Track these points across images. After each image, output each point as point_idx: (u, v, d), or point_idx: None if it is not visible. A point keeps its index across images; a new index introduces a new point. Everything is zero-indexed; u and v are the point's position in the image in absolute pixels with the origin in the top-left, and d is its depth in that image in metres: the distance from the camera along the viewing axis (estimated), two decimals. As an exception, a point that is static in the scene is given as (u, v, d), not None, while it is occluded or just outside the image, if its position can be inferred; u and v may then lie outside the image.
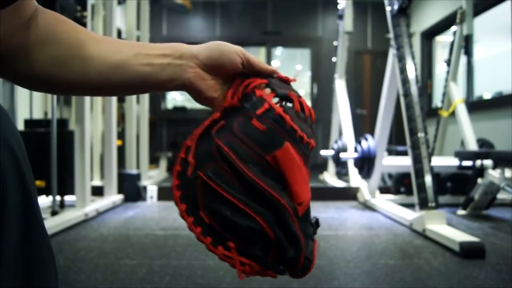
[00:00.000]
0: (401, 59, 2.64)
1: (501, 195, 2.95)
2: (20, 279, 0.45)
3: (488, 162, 2.63)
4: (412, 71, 2.61)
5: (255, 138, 0.45)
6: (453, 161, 2.90)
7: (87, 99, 2.69)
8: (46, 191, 2.55)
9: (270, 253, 0.45)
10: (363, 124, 6.57)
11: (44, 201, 2.75)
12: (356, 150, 3.24)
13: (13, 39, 0.49)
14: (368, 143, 3.10)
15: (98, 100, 3.84)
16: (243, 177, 0.44)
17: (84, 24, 2.57)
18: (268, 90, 0.50)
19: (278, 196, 0.44)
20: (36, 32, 0.50)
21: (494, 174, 2.56)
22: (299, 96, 0.50)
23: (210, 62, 0.52)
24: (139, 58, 0.51)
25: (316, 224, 0.50)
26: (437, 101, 5.55)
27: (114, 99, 3.24)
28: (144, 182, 3.79)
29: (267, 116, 0.46)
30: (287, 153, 0.45)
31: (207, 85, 0.53)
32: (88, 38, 0.52)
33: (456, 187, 3.27)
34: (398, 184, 3.40)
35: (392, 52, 2.79)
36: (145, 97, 4.47)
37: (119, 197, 3.29)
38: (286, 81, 0.52)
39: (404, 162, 2.96)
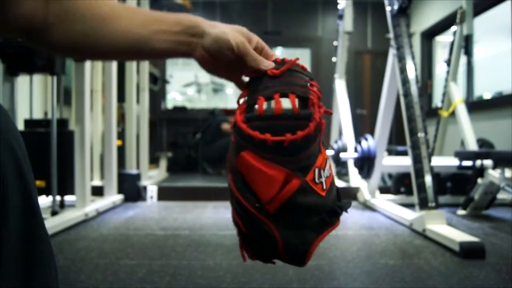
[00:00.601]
0: (401, 59, 2.64)
1: (501, 195, 2.95)
2: (20, 279, 0.46)
3: (488, 162, 2.63)
4: (412, 71, 2.60)
5: (232, 149, 0.53)
6: (453, 161, 2.90)
7: (87, 99, 2.69)
8: (46, 191, 2.55)
9: (247, 243, 0.53)
10: (363, 124, 6.57)
11: (44, 201, 2.74)
12: (356, 150, 3.24)
13: (35, 18, 0.51)
14: (368, 143, 3.10)
15: (98, 100, 3.84)
16: (229, 182, 0.52)
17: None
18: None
19: (240, 195, 0.50)
20: (59, 8, 0.52)
21: (494, 174, 2.56)
22: (276, 92, 0.52)
23: (211, 51, 0.56)
24: (159, 36, 0.55)
25: (333, 213, 0.53)
26: (437, 101, 5.55)
27: (114, 99, 3.24)
28: (144, 182, 3.79)
29: (234, 129, 0.51)
30: (241, 161, 0.50)
31: (211, 66, 0.58)
32: (111, 10, 0.54)
33: (456, 187, 3.26)
34: (398, 184, 3.40)
35: (392, 52, 2.78)
36: (145, 97, 4.47)
37: (119, 197, 3.29)
38: (275, 77, 0.54)
39: (404, 162, 2.96)
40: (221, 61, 0.56)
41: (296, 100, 0.52)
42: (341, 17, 4.18)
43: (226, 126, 5.64)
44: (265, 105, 0.51)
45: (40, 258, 0.48)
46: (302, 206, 0.49)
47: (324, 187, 0.51)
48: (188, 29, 0.55)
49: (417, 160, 2.39)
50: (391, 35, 2.77)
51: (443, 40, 5.77)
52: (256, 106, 0.51)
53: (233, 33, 0.55)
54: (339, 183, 4.20)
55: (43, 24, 0.52)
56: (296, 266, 0.52)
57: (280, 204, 0.49)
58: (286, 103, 0.53)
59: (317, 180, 0.50)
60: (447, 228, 2.11)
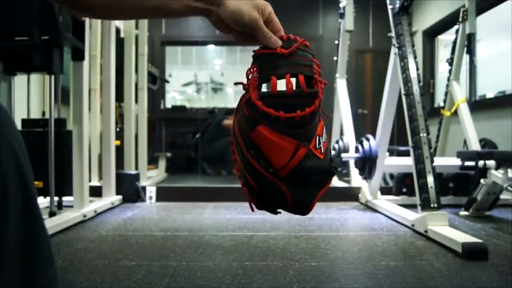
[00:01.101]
0: (403, 58, 2.62)
1: (504, 196, 2.93)
2: (20, 279, 0.46)
3: (491, 162, 2.61)
4: (414, 70, 2.58)
5: (244, 121, 0.59)
6: (456, 161, 2.88)
7: (85, 98, 2.67)
8: (44, 192, 2.52)
9: (258, 199, 0.62)
10: (365, 124, 6.56)
11: (41, 201, 2.72)
12: (357, 150, 3.22)
13: None
14: (370, 143, 3.08)
15: (97, 99, 3.82)
16: (242, 149, 0.60)
17: (82, 23, 2.56)
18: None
19: (255, 162, 0.58)
20: None
21: (497, 175, 2.54)
22: (287, 73, 0.58)
23: (226, 20, 0.60)
24: (181, 1, 0.59)
25: (329, 172, 0.62)
26: (439, 100, 5.53)
27: (112, 99, 3.22)
28: (143, 182, 3.77)
29: (248, 104, 0.58)
30: (258, 135, 0.57)
31: (224, 29, 0.63)
32: None
33: (459, 187, 3.24)
34: (399, 185, 3.37)
35: (393, 51, 2.77)
36: (144, 97, 4.46)
37: (118, 197, 3.27)
38: (283, 55, 0.60)
39: (406, 163, 2.93)
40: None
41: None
42: (342, 15, 4.16)
43: (226, 122, 5.64)
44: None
45: (40, 258, 0.49)
46: (307, 169, 0.58)
47: (322, 151, 0.60)
48: None
49: (419, 160, 2.37)
50: (393, 34, 2.75)
51: (446, 39, 5.75)
52: (269, 84, 0.58)
53: (248, 8, 0.59)
54: (340, 184, 4.18)
55: None
56: (301, 215, 0.62)
57: (290, 169, 0.57)
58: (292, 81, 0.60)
59: (317, 146, 0.59)
60: (450, 229, 2.09)
